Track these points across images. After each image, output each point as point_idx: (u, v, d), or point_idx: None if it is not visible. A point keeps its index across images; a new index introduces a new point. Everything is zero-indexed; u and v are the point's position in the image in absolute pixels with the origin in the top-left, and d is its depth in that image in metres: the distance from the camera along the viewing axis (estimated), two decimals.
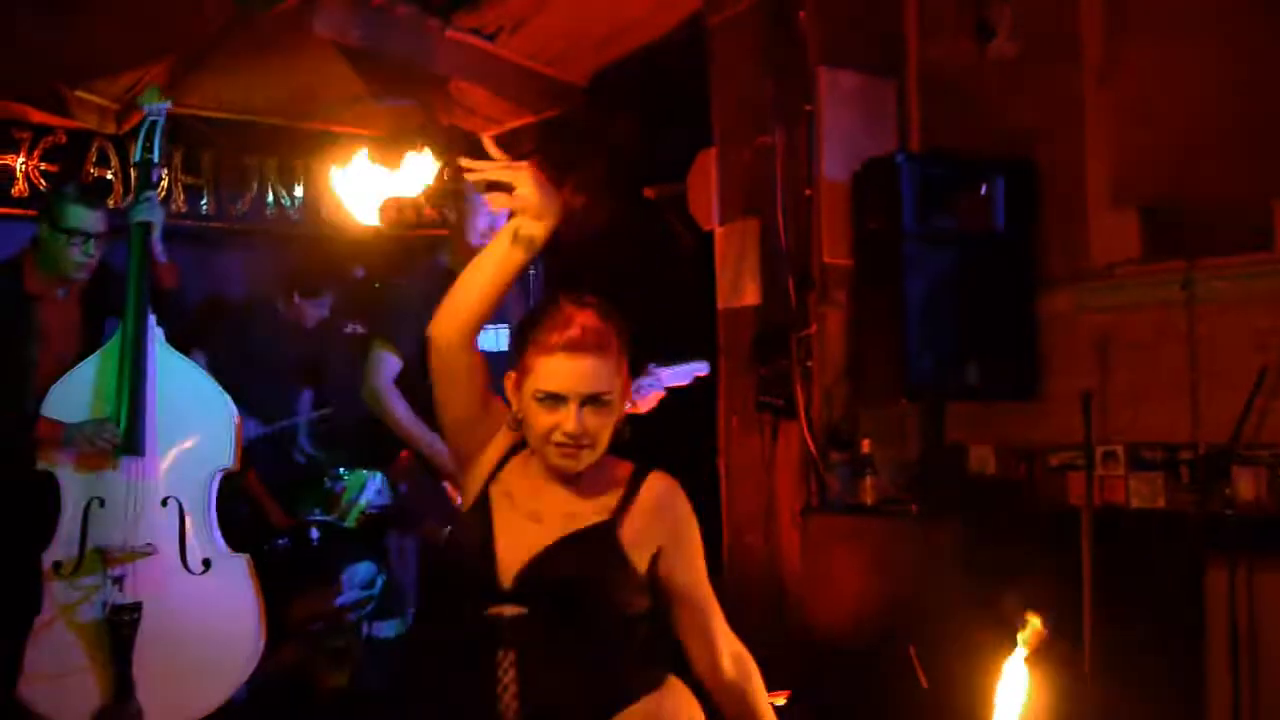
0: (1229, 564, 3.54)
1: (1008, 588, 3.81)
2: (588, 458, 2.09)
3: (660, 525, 2.16)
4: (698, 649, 2.24)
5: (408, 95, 6.31)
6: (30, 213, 5.58)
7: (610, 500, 2.14)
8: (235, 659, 3.93)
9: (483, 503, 2.12)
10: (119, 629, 3.73)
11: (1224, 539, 3.57)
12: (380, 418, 3.91)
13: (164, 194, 6.07)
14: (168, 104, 4.15)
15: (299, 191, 6.58)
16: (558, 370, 2.04)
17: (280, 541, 5.13)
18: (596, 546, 2.09)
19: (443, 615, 2.09)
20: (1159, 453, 3.88)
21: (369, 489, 5.37)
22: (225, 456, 4.04)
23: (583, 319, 2.08)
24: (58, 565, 3.79)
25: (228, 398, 4.12)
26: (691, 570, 2.22)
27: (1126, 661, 3.67)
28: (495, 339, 3.83)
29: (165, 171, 6.03)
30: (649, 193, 5.76)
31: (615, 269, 5.64)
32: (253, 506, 5.21)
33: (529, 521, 2.10)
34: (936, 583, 3.87)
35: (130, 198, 4.11)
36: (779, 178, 4.60)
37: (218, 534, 4.03)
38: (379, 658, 5.21)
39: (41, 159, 5.94)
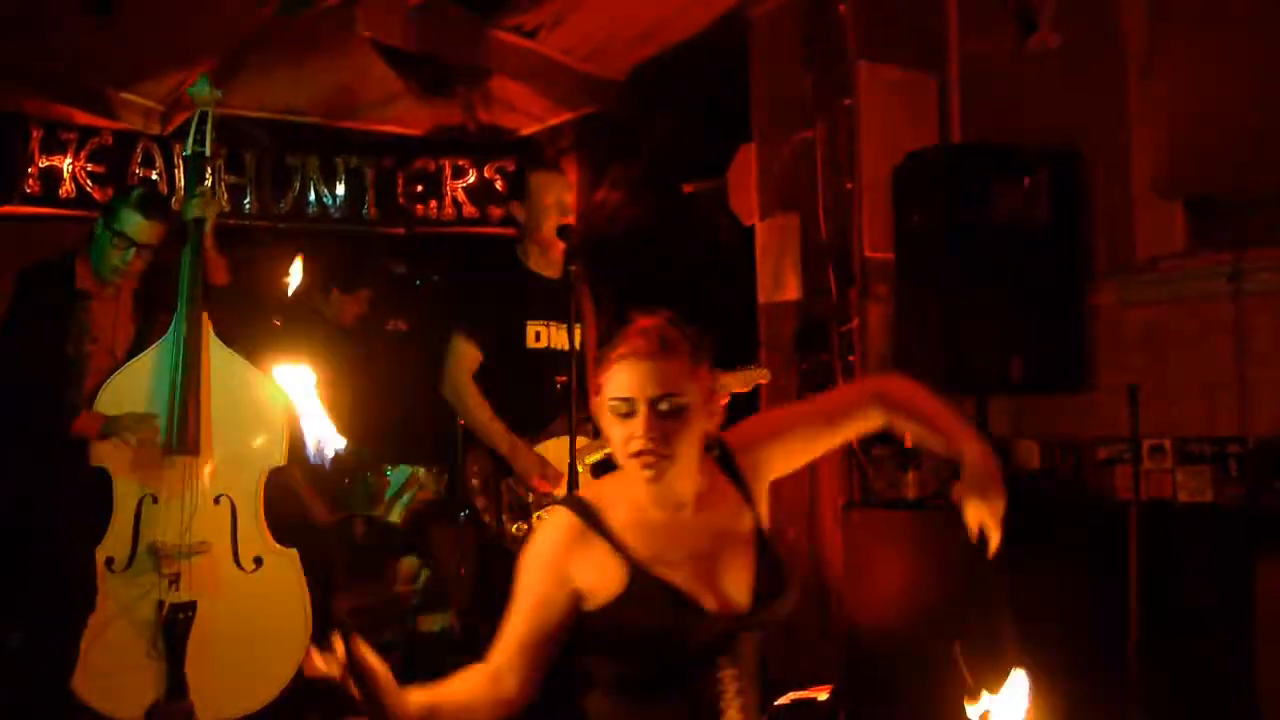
0: (1277, 559, 3.50)
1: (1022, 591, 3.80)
2: (668, 468, 2.03)
3: (758, 471, 2.19)
4: (837, 425, 2.29)
5: (448, 93, 6.35)
6: (78, 213, 5.69)
7: (734, 502, 2.14)
8: (285, 656, 3.95)
9: (647, 579, 2.01)
10: (173, 627, 3.76)
11: (1273, 533, 3.53)
12: (459, 413, 3.95)
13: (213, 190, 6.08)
14: (219, 95, 4.14)
15: (340, 190, 6.63)
16: (623, 374, 2.03)
17: (325, 537, 5.17)
18: (772, 557, 2.11)
19: (651, 664, 2.02)
20: (1207, 446, 3.84)
21: (413, 484, 5.40)
22: (278, 454, 4.06)
23: (647, 324, 2.07)
24: (110, 562, 3.83)
25: (286, 394, 4.10)
26: (787, 424, 2.26)
27: (1174, 657, 3.64)
28: None
29: (216, 164, 6.03)
30: (688, 188, 5.77)
31: (656, 265, 5.66)
32: (297, 502, 5.25)
33: (698, 565, 2.05)
34: (980, 578, 3.85)
35: (180, 195, 4.09)
36: (819, 172, 4.60)
37: (268, 531, 4.06)
38: (424, 652, 5.25)
39: (88, 160, 6.00)
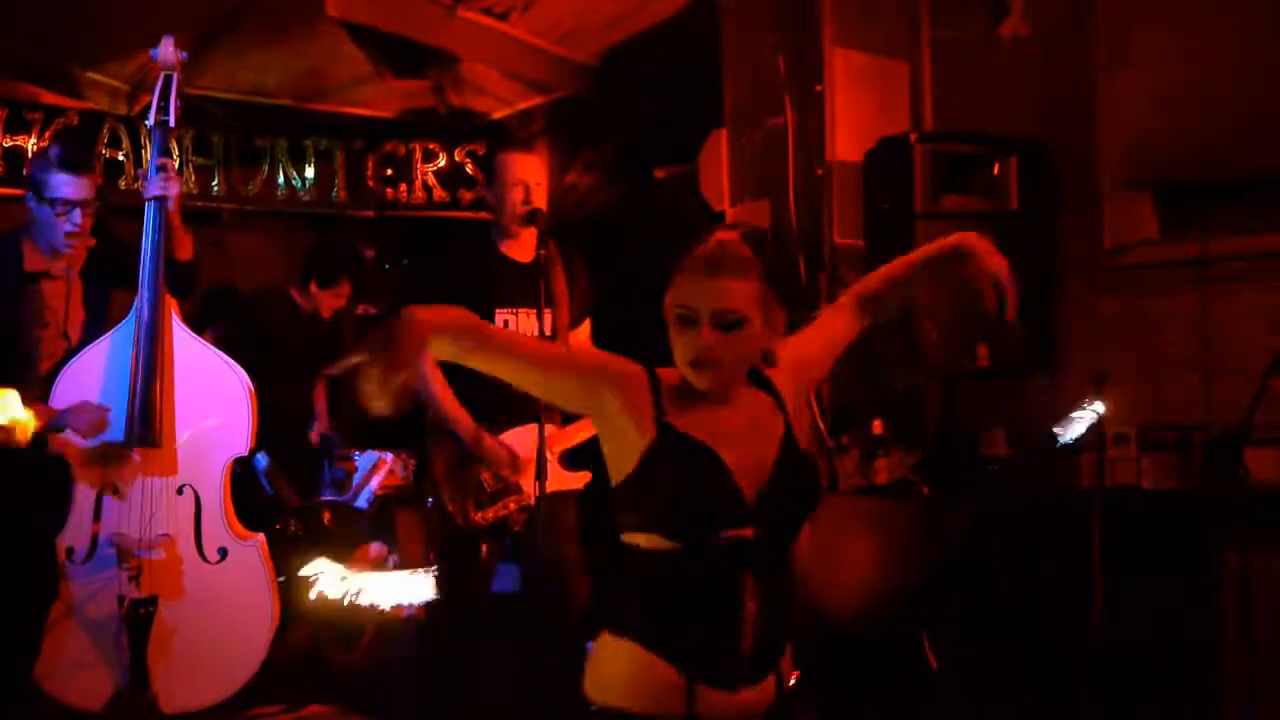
0: (1241, 545, 3.52)
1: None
2: (722, 380, 2.09)
3: (793, 393, 2.23)
4: (846, 321, 2.40)
5: (418, 76, 6.31)
6: None
7: (770, 407, 2.18)
8: (251, 645, 3.90)
9: (672, 433, 2.07)
10: (134, 621, 3.68)
11: (1236, 520, 3.56)
12: (419, 395, 3.90)
13: (178, 164, 5.99)
14: (183, 55, 3.91)
15: (309, 172, 6.58)
16: (692, 285, 2.06)
17: (292, 522, 5.15)
18: (797, 455, 2.14)
19: (672, 538, 2.05)
20: (1171, 434, 3.86)
21: (380, 470, 5.38)
22: (242, 443, 3.98)
23: (724, 237, 2.08)
24: (70, 552, 3.76)
25: (245, 378, 4.04)
26: (806, 345, 2.30)
27: (1138, 641, 3.67)
28: None
29: (181, 137, 5.93)
30: (659, 173, 5.75)
31: (625, 249, 5.64)
32: (265, 486, 5.23)
33: (732, 445, 2.09)
34: (947, 564, 3.86)
35: (144, 169, 3.97)
36: (790, 158, 4.59)
37: (233, 520, 3.99)
38: (389, 639, 5.23)
39: (53, 140, 5.93)
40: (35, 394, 3.82)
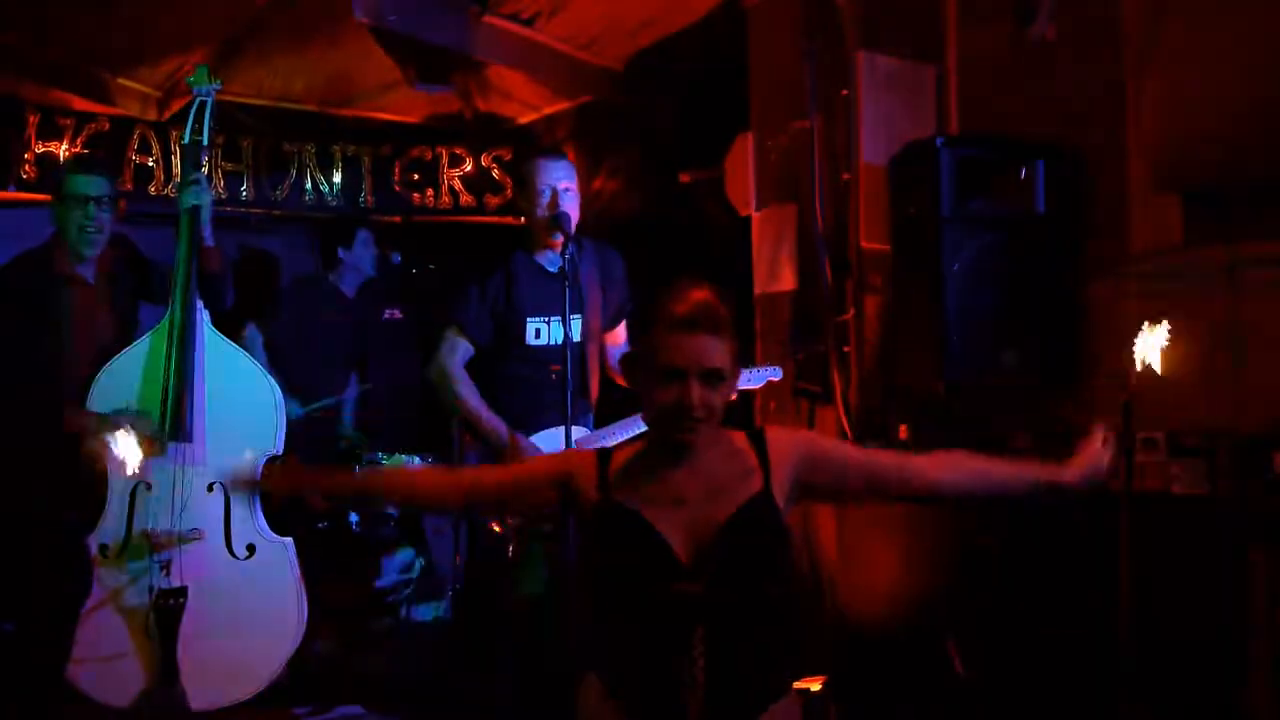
0: (1271, 551, 3.50)
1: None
2: (704, 431, 2.18)
3: (794, 469, 2.26)
4: (915, 485, 2.37)
5: (445, 81, 6.33)
6: None
7: (746, 468, 2.23)
8: (277, 643, 3.97)
9: (615, 508, 2.17)
10: (164, 613, 3.77)
11: (1266, 526, 3.53)
12: (446, 400, 3.92)
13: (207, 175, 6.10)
14: (218, 85, 4.18)
15: (337, 178, 6.62)
16: (676, 343, 2.15)
17: (320, 525, 5.18)
18: (764, 517, 2.19)
19: (617, 597, 2.17)
20: (1200, 440, 3.84)
21: None
22: (271, 441, 4.07)
23: (699, 296, 2.19)
24: (104, 549, 3.85)
25: (274, 383, 4.15)
26: (842, 456, 2.34)
27: (1166, 649, 3.65)
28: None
29: (213, 152, 6.07)
30: (685, 177, 5.76)
31: (651, 254, 5.65)
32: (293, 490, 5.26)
33: (676, 508, 2.16)
34: (973, 569, 3.85)
35: (176, 182, 4.14)
36: (816, 162, 4.59)
37: (262, 519, 4.07)
38: (417, 641, 5.26)
39: (85, 146, 6.00)
40: (72, 395, 3.91)
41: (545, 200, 3.87)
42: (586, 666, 2.20)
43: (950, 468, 2.40)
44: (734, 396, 2.24)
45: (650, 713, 2.09)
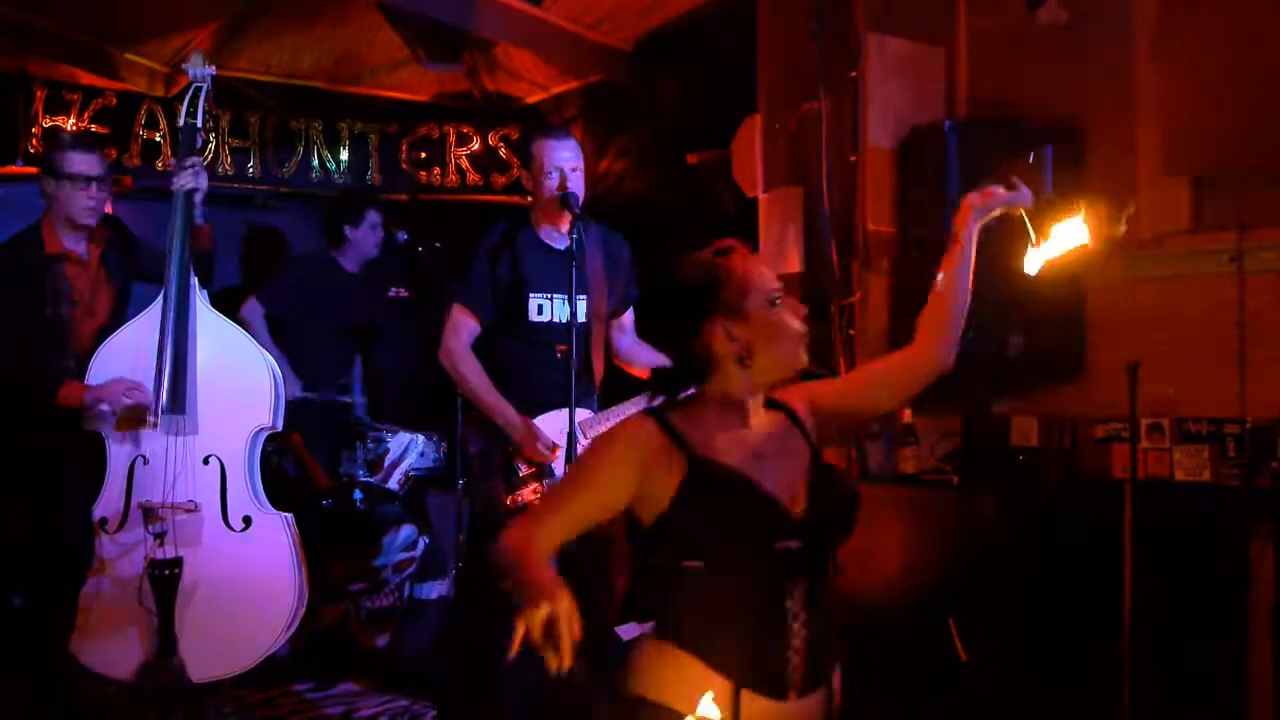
0: (1274, 538, 3.50)
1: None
2: None
3: (812, 423, 2.29)
4: (897, 370, 2.43)
5: (453, 60, 6.32)
6: None
7: (788, 426, 2.26)
8: (274, 616, 3.98)
9: (711, 467, 2.13)
10: (159, 583, 3.80)
11: (1269, 513, 3.53)
12: (455, 383, 3.92)
13: (210, 158, 6.14)
14: (213, 70, 4.19)
15: (344, 155, 6.62)
16: (762, 268, 2.22)
17: (324, 503, 5.19)
18: (829, 470, 2.23)
19: (716, 560, 2.10)
20: (1205, 426, 3.84)
21: (412, 451, 5.42)
22: (265, 415, 4.09)
23: (732, 241, 2.26)
24: (104, 522, 3.87)
25: (269, 357, 4.17)
26: (825, 391, 2.36)
27: (1168, 634, 3.65)
28: None
29: (210, 136, 6.08)
30: (693, 159, 5.74)
31: (658, 235, 5.64)
32: (297, 467, 5.27)
33: (763, 465, 2.16)
34: (977, 554, 3.85)
35: (175, 162, 4.15)
36: (824, 145, 4.57)
37: (260, 492, 4.08)
38: (419, 619, 5.27)
39: (92, 121, 6.01)
40: (70, 370, 3.93)
41: (554, 181, 3.86)
42: (660, 634, 2.14)
43: (912, 345, 2.44)
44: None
45: (754, 672, 2.07)
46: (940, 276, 2.43)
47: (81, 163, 4.05)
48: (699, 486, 2.10)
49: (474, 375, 3.85)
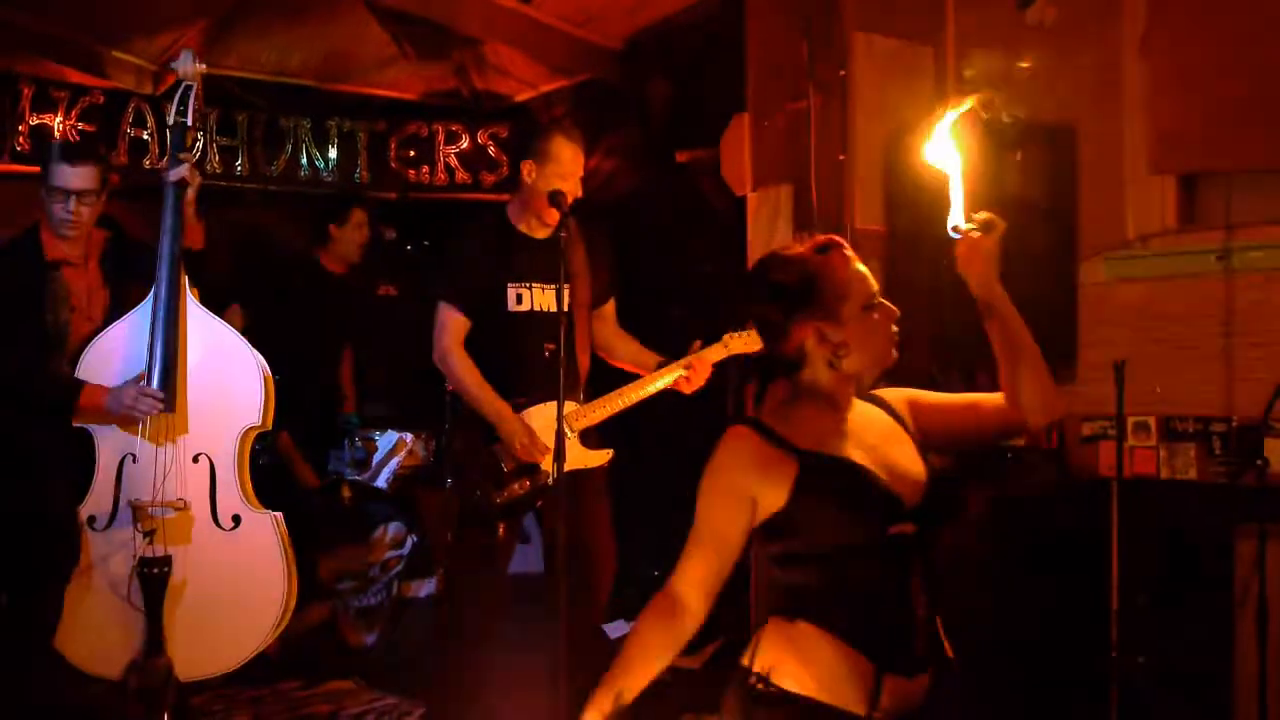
0: (1259, 536, 3.51)
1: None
2: None
3: (909, 415, 2.30)
4: (990, 416, 2.35)
5: (442, 58, 6.31)
6: None
7: (885, 420, 2.26)
8: (264, 614, 3.97)
9: (819, 458, 2.14)
10: (149, 581, 3.78)
11: (1255, 511, 3.55)
12: (450, 381, 3.91)
13: (198, 155, 6.12)
14: (203, 68, 4.16)
15: (332, 153, 6.61)
16: (862, 278, 2.21)
17: (312, 501, 5.19)
18: (929, 461, 2.24)
19: (836, 550, 2.12)
20: (1192, 424, 3.85)
21: (400, 450, 5.41)
22: (255, 415, 4.07)
23: (833, 237, 2.25)
24: (92, 520, 3.86)
25: (260, 357, 4.15)
26: (931, 399, 2.36)
27: (1154, 631, 3.66)
28: None
29: (200, 134, 6.05)
30: (682, 157, 5.74)
31: (647, 233, 5.65)
32: (285, 466, 5.26)
33: (869, 453, 2.17)
34: (965, 551, 3.86)
35: (166, 159, 4.11)
36: (813, 143, 4.57)
37: (250, 491, 4.07)
38: (407, 617, 5.27)
39: (79, 119, 5.99)
40: (64, 372, 3.92)
41: (568, 185, 3.83)
42: (791, 615, 2.14)
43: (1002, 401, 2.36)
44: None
45: (889, 654, 2.09)
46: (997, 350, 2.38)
47: (64, 175, 3.95)
48: (813, 478, 2.11)
49: (468, 374, 3.84)
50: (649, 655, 2.13)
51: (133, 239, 4.26)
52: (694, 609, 2.13)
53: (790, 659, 2.11)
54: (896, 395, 2.32)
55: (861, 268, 2.22)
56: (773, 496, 2.12)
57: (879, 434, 2.22)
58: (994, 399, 2.33)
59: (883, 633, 2.10)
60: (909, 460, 2.20)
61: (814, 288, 2.18)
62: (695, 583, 2.14)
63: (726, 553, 2.14)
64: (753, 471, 2.13)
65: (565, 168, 3.87)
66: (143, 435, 3.89)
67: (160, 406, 3.84)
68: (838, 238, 2.24)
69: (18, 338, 3.94)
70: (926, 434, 2.30)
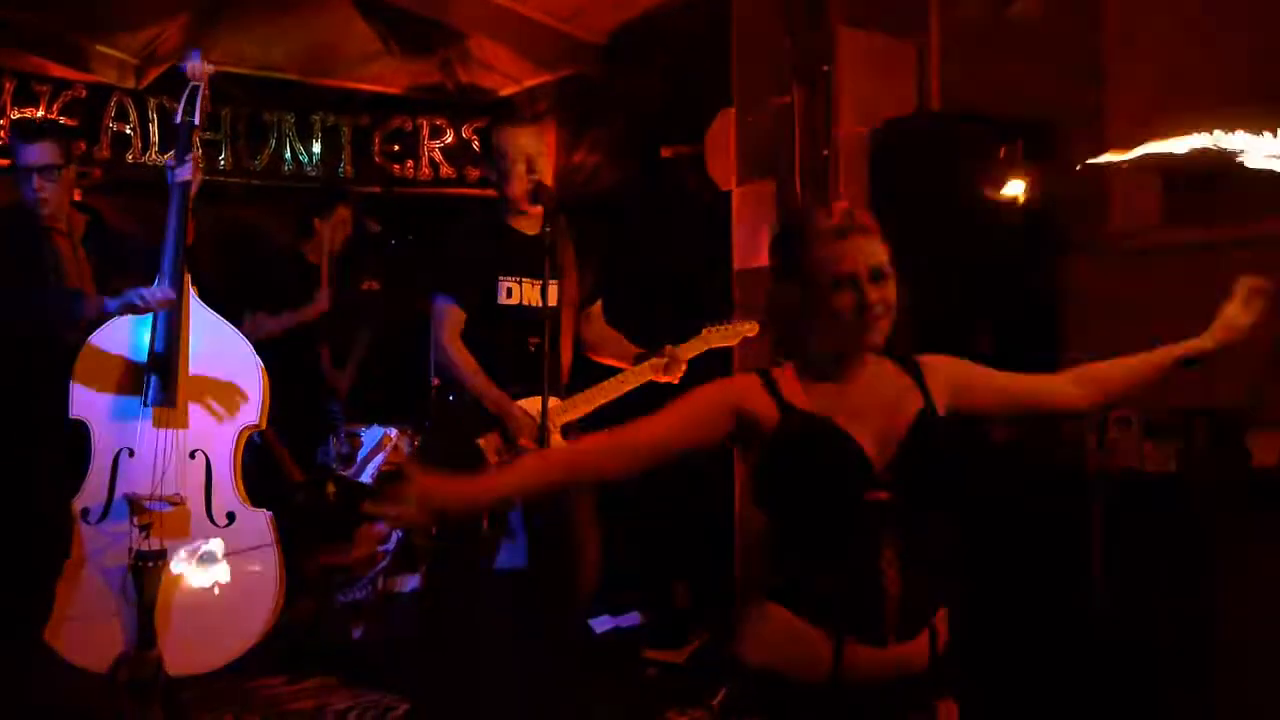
0: (1242, 529, 3.53)
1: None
2: (889, 326, 2.20)
3: (949, 393, 2.28)
4: (1048, 400, 2.40)
5: (426, 52, 6.30)
6: None
7: (907, 385, 2.25)
8: (255, 612, 3.98)
9: (804, 416, 2.16)
10: (142, 575, 3.79)
11: (1237, 504, 3.57)
12: (452, 376, 3.90)
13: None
14: (210, 69, 4.17)
15: (316, 148, 6.59)
16: (841, 250, 2.17)
17: (297, 496, 5.18)
18: (936, 428, 2.21)
19: (806, 509, 2.16)
20: (1174, 418, 3.87)
21: (386, 445, 5.41)
22: (254, 413, 4.10)
23: (843, 205, 2.23)
24: (85, 512, 3.88)
25: (257, 356, 4.17)
26: (987, 376, 2.35)
27: (1137, 626, 3.68)
28: None
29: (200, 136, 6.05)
30: (666, 152, 5.75)
31: (632, 228, 5.65)
32: (271, 461, 5.25)
33: (860, 418, 2.17)
34: (947, 547, 3.87)
35: (171, 159, 4.13)
36: (797, 138, 4.58)
37: (243, 490, 4.08)
38: (392, 613, 5.26)
39: (61, 113, 5.96)
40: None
41: (522, 169, 3.85)
42: (759, 591, 2.19)
43: (1078, 380, 2.43)
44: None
45: (847, 622, 2.10)
46: (1135, 362, 2.50)
47: (22, 154, 4.08)
48: (786, 433, 2.15)
49: (467, 365, 3.84)
50: (583, 460, 2.32)
51: (113, 228, 4.29)
52: (637, 453, 2.21)
53: (755, 631, 2.17)
54: (939, 366, 2.31)
55: (847, 246, 2.18)
56: (754, 444, 2.17)
57: (881, 400, 2.22)
58: (1056, 384, 2.40)
59: (845, 600, 2.11)
60: (904, 428, 2.19)
61: (796, 250, 2.20)
62: (638, 439, 2.21)
63: (660, 436, 2.20)
64: (733, 404, 2.19)
65: (510, 157, 3.86)
66: (139, 425, 3.92)
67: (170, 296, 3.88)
68: (862, 216, 2.22)
69: (30, 280, 4.03)
70: (975, 408, 2.31)
